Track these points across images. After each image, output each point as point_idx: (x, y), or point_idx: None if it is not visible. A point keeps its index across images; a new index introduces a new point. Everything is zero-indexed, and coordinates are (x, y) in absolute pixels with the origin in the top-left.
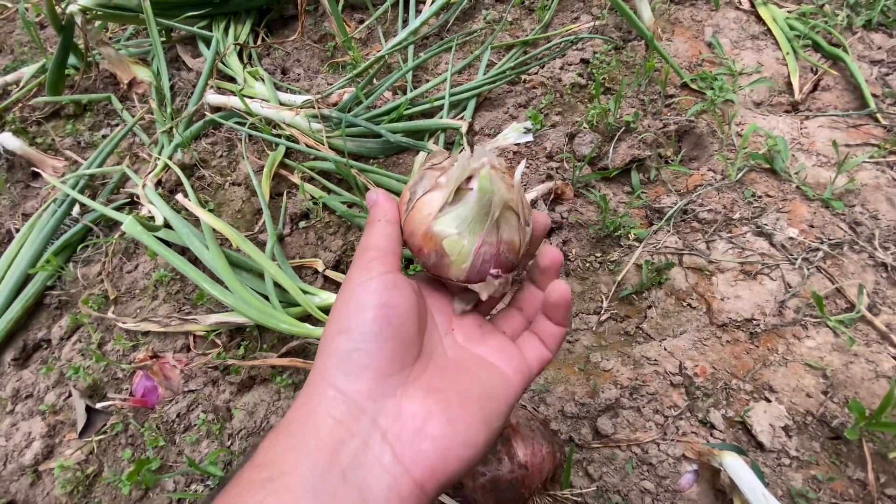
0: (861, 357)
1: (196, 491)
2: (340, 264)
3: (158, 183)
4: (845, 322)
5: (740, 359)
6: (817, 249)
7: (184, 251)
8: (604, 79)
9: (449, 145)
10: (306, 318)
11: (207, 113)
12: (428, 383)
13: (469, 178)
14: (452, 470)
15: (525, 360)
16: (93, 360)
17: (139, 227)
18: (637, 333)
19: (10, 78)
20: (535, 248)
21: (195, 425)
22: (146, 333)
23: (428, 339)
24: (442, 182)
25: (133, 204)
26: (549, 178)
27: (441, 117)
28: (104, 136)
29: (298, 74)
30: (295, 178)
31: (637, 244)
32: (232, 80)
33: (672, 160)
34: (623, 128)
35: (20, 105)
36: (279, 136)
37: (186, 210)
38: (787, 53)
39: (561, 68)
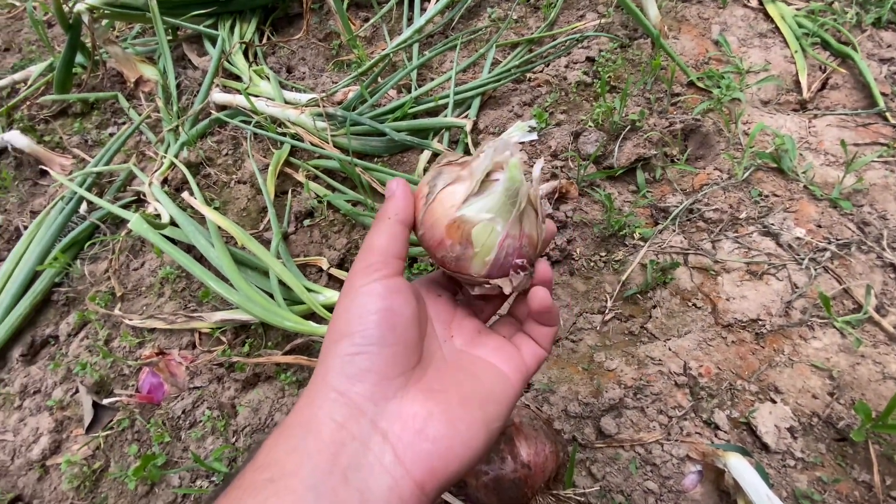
0: (868, 358)
1: (201, 486)
2: (345, 262)
3: (165, 181)
4: (852, 323)
5: (745, 359)
6: (825, 250)
7: (189, 249)
8: (609, 77)
9: (453, 144)
10: (311, 315)
11: (213, 111)
12: (428, 385)
13: (489, 174)
14: (453, 470)
15: (522, 358)
16: (100, 356)
17: (145, 225)
18: (641, 333)
19: (18, 76)
20: (544, 249)
21: (200, 422)
22: (152, 330)
23: (428, 343)
24: (464, 175)
25: (140, 202)
26: (554, 176)
27: (446, 116)
28: (111, 135)
29: (303, 73)
30: (300, 177)
31: (642, 243)
32: (237, 78)
33: (678, 159)
34: (628, 126)
35: (28, 103)
36: (284, 134)
37: (192, 208)
38: (796, 51)
39: (566, 66)
